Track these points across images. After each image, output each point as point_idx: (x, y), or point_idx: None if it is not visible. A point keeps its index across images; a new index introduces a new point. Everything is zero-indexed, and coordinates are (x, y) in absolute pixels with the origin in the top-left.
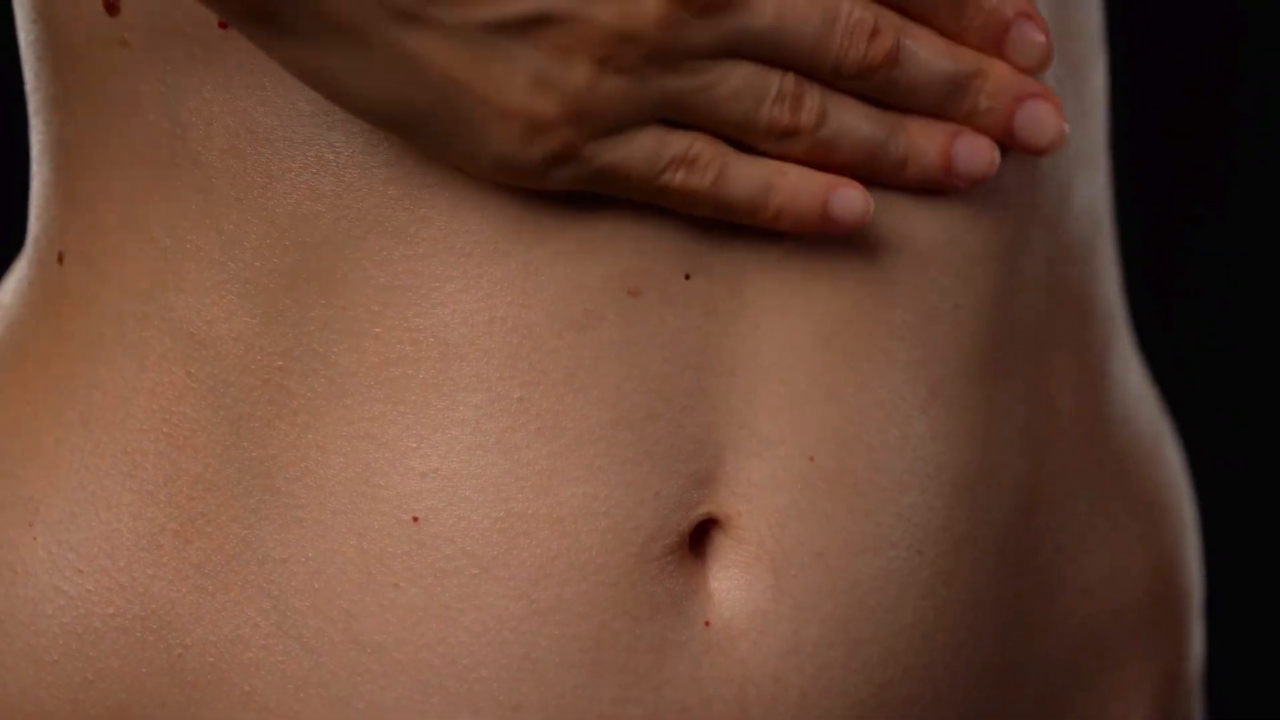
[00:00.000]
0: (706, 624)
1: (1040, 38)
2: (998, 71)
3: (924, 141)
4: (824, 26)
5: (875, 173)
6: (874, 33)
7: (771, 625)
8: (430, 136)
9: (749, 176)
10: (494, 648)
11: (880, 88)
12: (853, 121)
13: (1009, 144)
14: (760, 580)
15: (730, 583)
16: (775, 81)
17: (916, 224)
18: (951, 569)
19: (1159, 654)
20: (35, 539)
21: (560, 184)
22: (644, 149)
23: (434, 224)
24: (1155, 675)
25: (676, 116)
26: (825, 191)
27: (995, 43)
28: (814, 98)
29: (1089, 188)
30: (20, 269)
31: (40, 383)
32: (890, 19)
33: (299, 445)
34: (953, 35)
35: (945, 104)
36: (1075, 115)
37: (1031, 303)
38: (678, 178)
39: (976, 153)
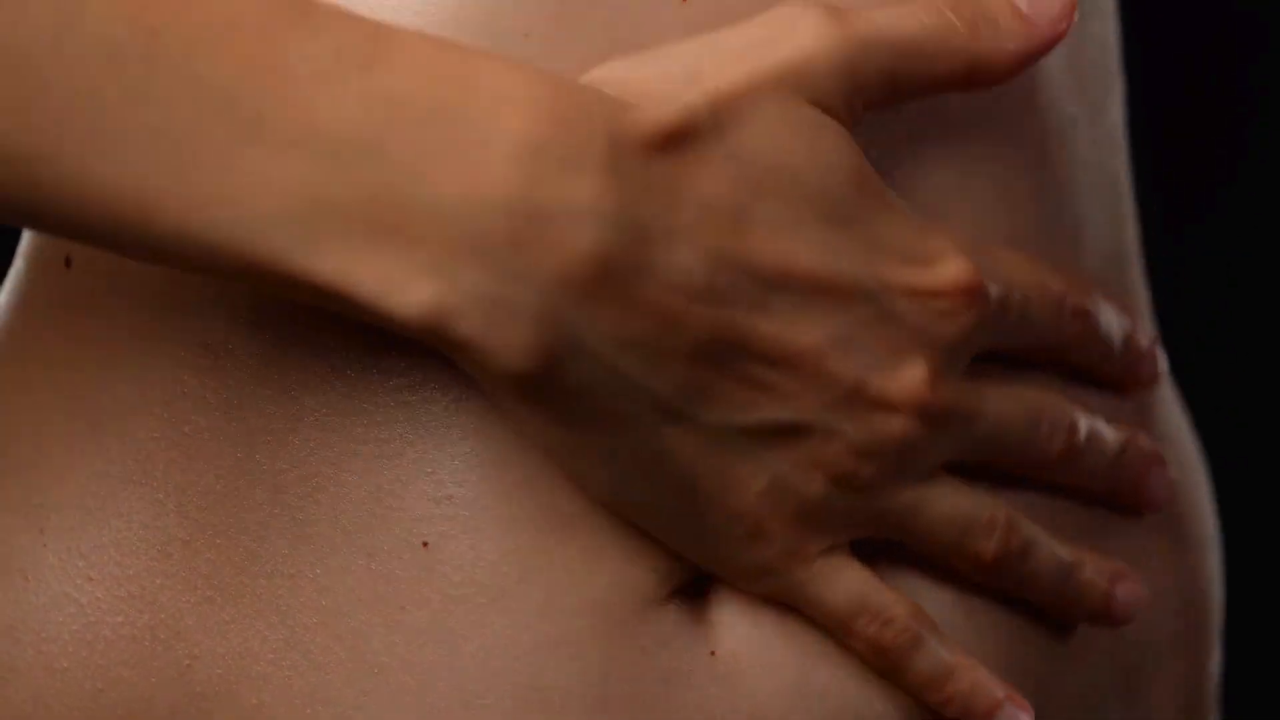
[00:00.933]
0: (712, 654)
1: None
2: (1135, 442)
3: (1092, 578)
4: (1030, 427)
5: (1045, 608)
6: (1071, 427)
7: (779, 661)
8: (652, 517)
9: (936, 655)
10: (500, 676)
11: (1069, 473)
12: (1046, 558)
13: (1134, 501)
14: (766, 616)
15: (735, 616)
16: (986, 511)
17: None
18: (981, 630)
19: (1184, 675)
20: (45, 545)
21: (762, 591)
22: (846, 592)
23: None
24: (1179, 697)
25: (887, 535)
26: (997, 704)
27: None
28: (1019, 534)
29: (1109, 223)
30: (17, 270)
31: (45, 387)
32: (1077, 413)
33: (311, 460)
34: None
35: (1112, 473)
36: (1094, 151)
37: None
38: (871, 629)
39: (1134, 597)
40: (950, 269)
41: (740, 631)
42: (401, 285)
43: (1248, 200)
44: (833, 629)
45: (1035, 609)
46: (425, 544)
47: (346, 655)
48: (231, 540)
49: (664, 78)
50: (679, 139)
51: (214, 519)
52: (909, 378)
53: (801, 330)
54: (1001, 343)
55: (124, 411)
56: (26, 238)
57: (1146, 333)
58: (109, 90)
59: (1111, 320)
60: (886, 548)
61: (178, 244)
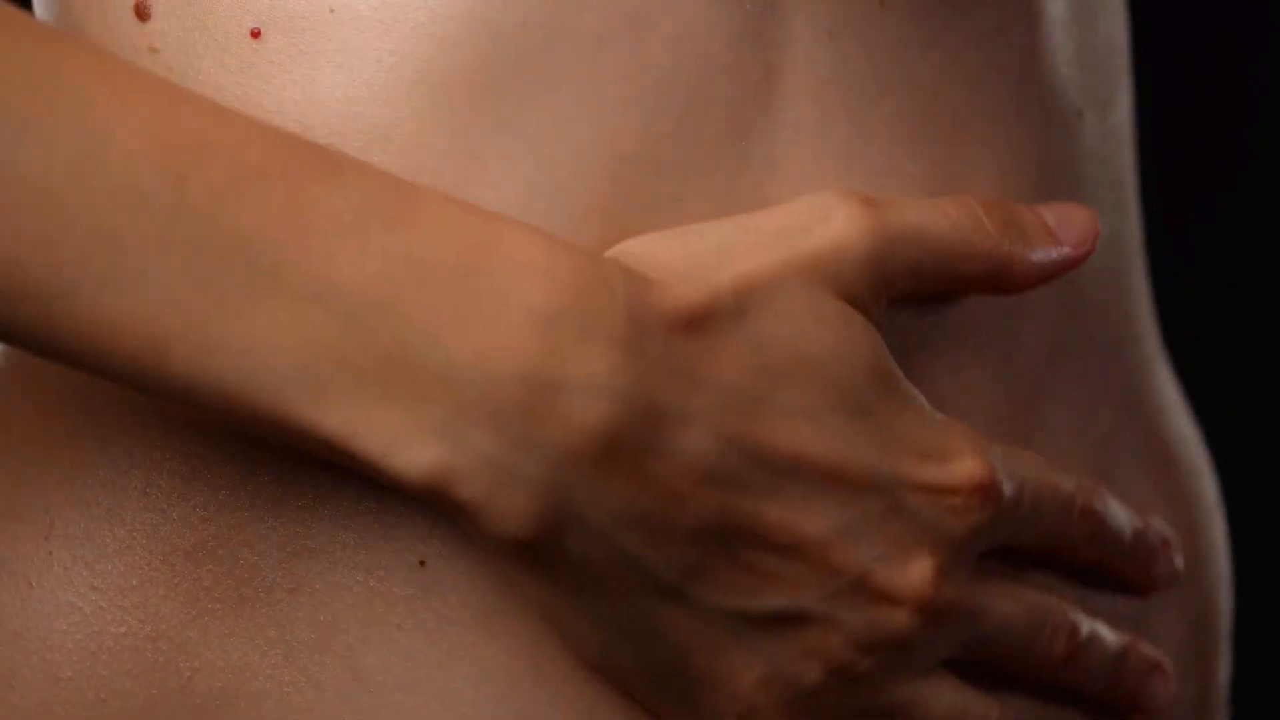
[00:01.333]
0: None
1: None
2: (1136, 648)
3: None
4: (1032, 629)
5: None
6: (1073, 631)
7: None
8: (639, 686)
9: None
10: (492, 701)
11: (1068, 676)
12: None
13: (1133, 705)
14: None
15: None
16: (979, 710)
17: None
18: None
19: (1193, 685)
20: (51, 553)
21: None
22: None
23: None
24: (1187, 705)
25: None
26: None
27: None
28: None
29: (1113, 218)
30: None
31: (54, 395)
32: (1080, 616)
33: (312, 476)
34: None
35: (1111, 677)
36: (1101, 145)
37: (1040, 331)
38: None
39: None
40: (966, 467)
41: None
42: (406, 444)
43: (1249, 200)
44: None
45: None
46: (422, 563)
47: (343, 672)
48: (233, 553)
49: (691, 256)
50: (701, 320)
51: (215, 530)
52: (915, 573)
53: (809, 519)
54: (1009, 540)
55: (128, 422)
56: None
57: (1157, 530)
58: (130, 232)
59: (1121, 519)
60: None
61: (186, 388)
